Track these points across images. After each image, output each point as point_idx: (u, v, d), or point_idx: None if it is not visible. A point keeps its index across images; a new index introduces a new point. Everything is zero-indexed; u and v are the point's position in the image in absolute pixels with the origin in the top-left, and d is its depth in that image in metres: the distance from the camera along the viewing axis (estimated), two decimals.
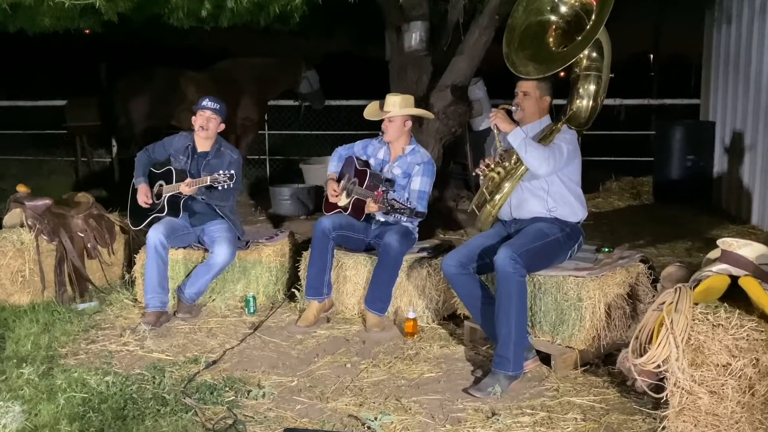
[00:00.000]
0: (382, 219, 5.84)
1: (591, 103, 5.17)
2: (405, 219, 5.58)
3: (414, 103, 6.04)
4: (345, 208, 5.84)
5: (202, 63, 10.77)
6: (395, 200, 5.36)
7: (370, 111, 6.09)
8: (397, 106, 5.88)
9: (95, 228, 6.61)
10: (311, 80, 11.07)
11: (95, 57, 14.13)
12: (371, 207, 5.55)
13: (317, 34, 11.99)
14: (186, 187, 5.90)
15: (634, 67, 20.66)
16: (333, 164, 6.16)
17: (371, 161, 6.02)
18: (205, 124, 6.05)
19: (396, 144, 5.94)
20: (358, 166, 5.96)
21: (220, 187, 5.74)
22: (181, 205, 6.05)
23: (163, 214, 6.08)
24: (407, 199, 5.48)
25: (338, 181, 6.01)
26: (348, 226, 5.83)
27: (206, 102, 6.09)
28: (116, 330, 5.75)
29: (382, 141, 6.02)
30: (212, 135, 6.11)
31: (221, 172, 5.73)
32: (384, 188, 5.54)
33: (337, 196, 5.92)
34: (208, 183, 5.77)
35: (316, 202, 9.65)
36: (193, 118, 6.12)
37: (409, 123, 5.95)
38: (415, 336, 5.51)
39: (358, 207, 5.75)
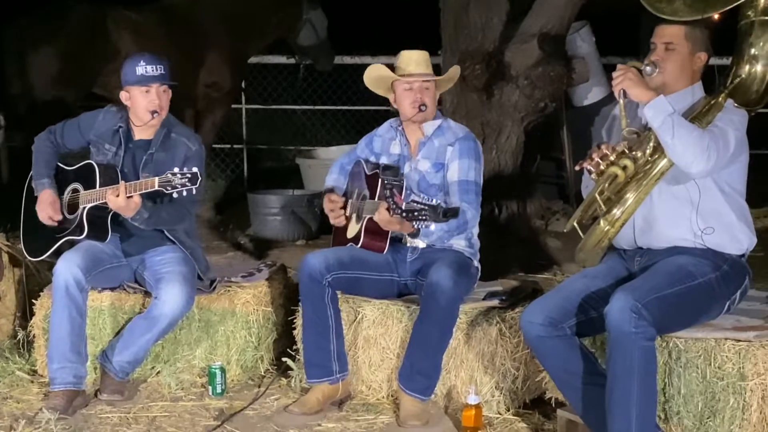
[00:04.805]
0: (423, 244, 5.90)
1: None
2: (433, 226, 5.54)
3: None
4: (355, 239, 5.91)
5: None
6: (414, 202, 5.32)
7: (376, 77, 6.12)
8: (422, 65, 5.95)
9: None
10: (316, 26, 11.14)
11: None
12: (382, 218, 5.56)
13: None
14: (114, 197, 5.78)
15: None
16: (331, 177, 6.31)
17: (383, 161, 6.10)
18: (160, 105, 6.04)
19: (413, 127, 6.02)
20: (367, 172, 6.04)
21: (175, 194, 5.69)
22: (108, 221, 6.04)
23: (81, 236, 6.04)
24: (429, 198, 5.43)
25: (345, 204, 6.12)
26: (359, 263, 5.90)
27: (146, 67, 6.01)
28: (4, 419, 5.79)
29: (394, 128, 6.10)
30: (164, 115, 6.14)
31: (176, 170, 5.66)
32: (391, 182, 5.58)
33: (339, 217, 6.01)
34: (156, 187, 5.69)
35: (323, 218, 9.66)
36: (124, 95, 6.09)
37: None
38: None
39: (374, 232, 5.77)
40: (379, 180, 5.79)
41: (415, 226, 5.41)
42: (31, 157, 6.30)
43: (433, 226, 5.50)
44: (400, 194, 5.59)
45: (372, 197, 5.81)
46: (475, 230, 5.98)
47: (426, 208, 5.25)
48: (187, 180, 5.61)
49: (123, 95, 6.11)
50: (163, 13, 10.39)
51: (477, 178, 5.88)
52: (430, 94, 5.93)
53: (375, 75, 6.08)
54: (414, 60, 5.95)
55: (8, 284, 6.91)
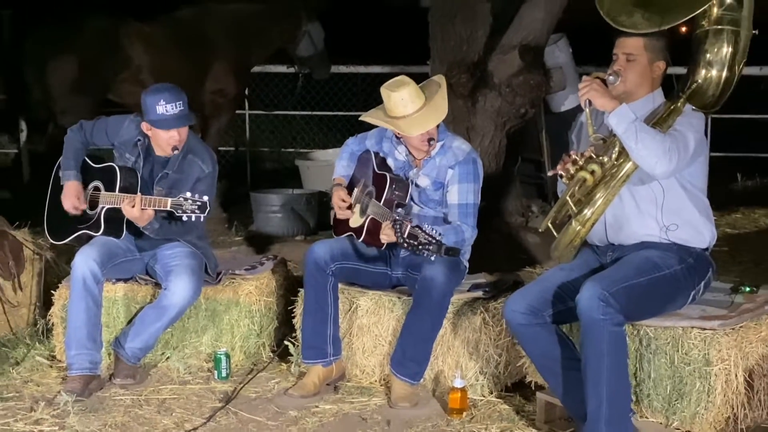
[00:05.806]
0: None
1: (724, 73, 5.12)
2: (433, 257, 5.37)
3: (422, 90, 5.82)
4: (357, 232, 5.89)
5: (155, 10, 10.83)
6: (420, 229, 5.30)
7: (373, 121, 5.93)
8: (416, 100, 5.69)
9: None
10: (314, 37, 11.12)
11: None
12: (385, 235, 5.57)
13: None
14: (129, 207, 5.79)
15: None
16: (342, 164, 6.22)
17: (390, 162, 6.05)
18: (180, 140, 6.00)
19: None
20: (376, 167, 6.01)
21: (185, 217, 5.69)
22: (124, 222, 6.02)
23: (98, 233, 6.07)
24: (434, 229, 5.36)
25: (350, 189, 6.09)
26: (358, 255, 5.94)
27: (166, 106, 5.89)
28: (25, 401, 5.81)
29: (391, 138, 6.03)
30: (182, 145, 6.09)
31: (188, 195, 5.67)
32: (400, 208, 5.58)
33: (346, 209, 5.96)
34: (168, 208, 5.70)
35: (320, 215, 9.78)
36: (145, 126, 6.01)
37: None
38: (465, 414, 5.55)
39: (375, 232, 5.74)
40: (388, 184, 5.78)
41: (419, 254, 5.32)
42: (51, 158, 6.32)
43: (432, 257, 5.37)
44: (409, 216, 5.57)
45: (378, 198, 5.79)
46: None
47: (432, 242, 5.24)
48: (197, 207, 5.64)
49: (144, 126, 6.03)
50: (172, 25, 10.35)
51: (475, 200, 5.82)
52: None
53: (373, 122, 5.91)
54: (408, 100, 5.67)
55: (29, 276, 6.91)
